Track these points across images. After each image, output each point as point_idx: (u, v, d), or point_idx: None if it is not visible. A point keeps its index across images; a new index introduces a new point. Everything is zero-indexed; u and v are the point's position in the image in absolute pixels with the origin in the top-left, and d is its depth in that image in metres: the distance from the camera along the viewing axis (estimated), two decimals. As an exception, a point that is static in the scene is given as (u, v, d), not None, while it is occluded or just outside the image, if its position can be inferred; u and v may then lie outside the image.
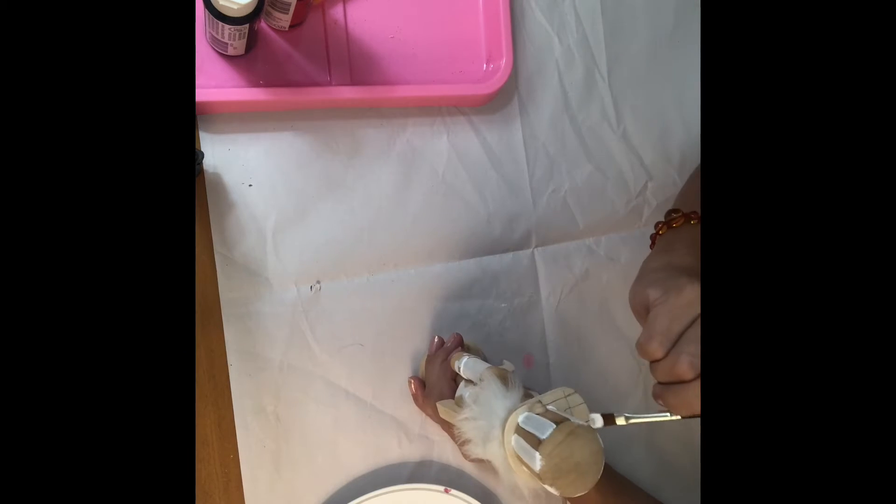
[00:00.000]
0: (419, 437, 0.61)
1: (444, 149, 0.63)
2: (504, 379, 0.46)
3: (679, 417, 0.40)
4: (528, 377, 0.64)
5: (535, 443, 0.40)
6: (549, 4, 0.66)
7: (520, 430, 0.42)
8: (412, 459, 0.61)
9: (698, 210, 0.50)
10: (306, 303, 0.59)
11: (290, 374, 0.59)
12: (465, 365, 0.52)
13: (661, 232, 0.50)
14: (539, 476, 0.40)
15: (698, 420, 0.62)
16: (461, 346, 0.58)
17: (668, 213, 0.51)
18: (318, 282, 0.60)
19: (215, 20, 0.50)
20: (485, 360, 0.55)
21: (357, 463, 0.60)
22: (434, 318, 0.62)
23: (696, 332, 0.38)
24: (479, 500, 0.57)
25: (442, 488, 0.57)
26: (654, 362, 0.40)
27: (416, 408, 0.60)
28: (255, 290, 0.58)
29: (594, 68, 0.67)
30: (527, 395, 0.46)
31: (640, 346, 0.40)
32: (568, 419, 0.41)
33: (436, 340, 0.59)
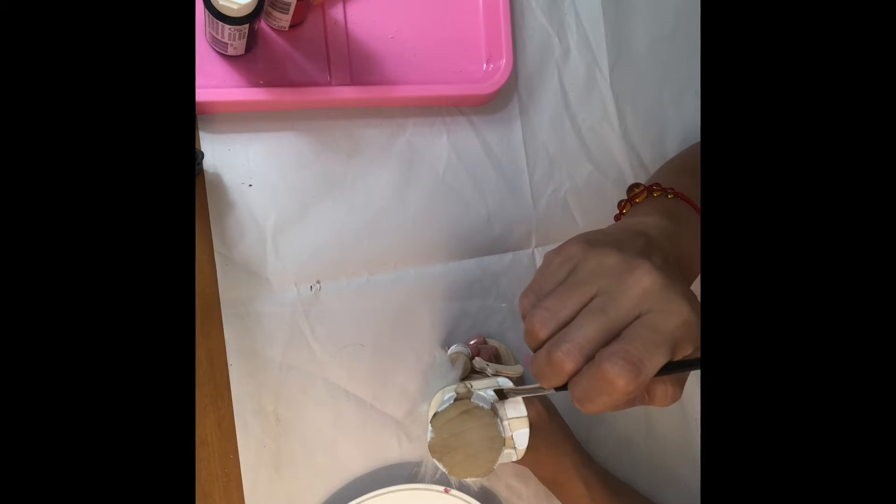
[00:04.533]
0: (419, 437, 0.61)
1: (444, 149, 0.63)
2: (453, 362, 0.46)
3: (553, 391, 0.37)
4: (528, 377, 0.64)
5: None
6: (549, 4, 0.65)
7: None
8: (412, 459, 0.61)
9: (662, 182, 0.47)
10: (306, 303, 0.59)
11: (290, 374, 0.59)
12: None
13: (624, 211, 0.47)
14: (430, 450, 0.40)
15: (697, 428, 0.62)
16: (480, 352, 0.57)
17: (630, 188, 0.48)
18: (318, 282, 0.60)
19: (215, 20, 0.50)
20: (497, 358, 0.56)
21: (357, 463, 0.60)
22: (434, 318, 0.62)
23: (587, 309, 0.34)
24: (479, 500, 0.57)
25: (442, 488, 0.57)
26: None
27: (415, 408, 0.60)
28: (255, 290, 0.58)
29: (595, 68, 0.66)
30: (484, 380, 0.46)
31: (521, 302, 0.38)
32: (470, 399, 0.41)
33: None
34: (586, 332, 0.33)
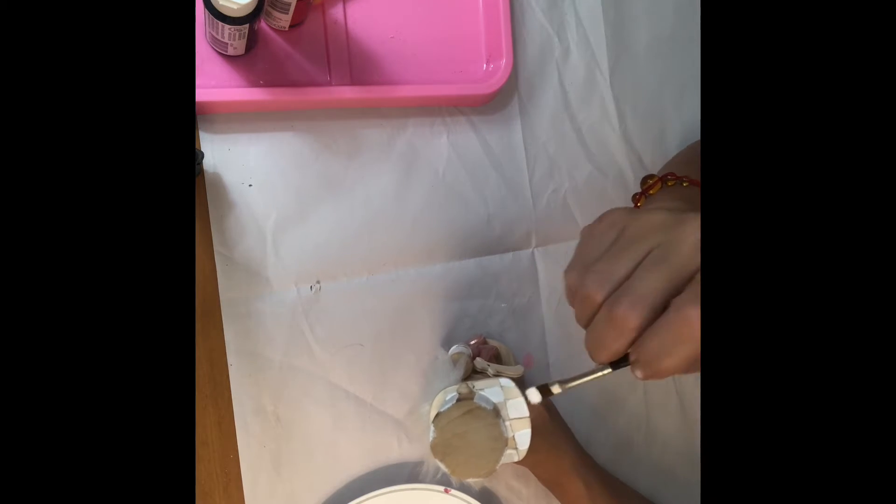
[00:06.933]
0: (419, 437, 0.61)
1: (444, 149, 0.63)
2: (454, 362, 0.46)
3: (610, 370, 0.34)
4: (528, 377, 0.64)
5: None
6: (549, 4, 0.65)
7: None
8: (412, 459, 0.61)
9: (676, 172, 0.46)
10: (306, 303, 0.59)
11: (290, 374, 0.59)
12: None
13: (639, 204, 0.47)
14: (432, 450, 0.40)
15: (697, 428, 0.61)
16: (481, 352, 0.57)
17: (644, 179, 0.46)
18: (318, 282, 0.60)
19: (215, 20, 0.50)
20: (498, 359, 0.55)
21: (357, 463, 0.60)
22: (434, 318, 0.62)
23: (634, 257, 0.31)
24: (479, 501, 0.57)
25: (442, 488, 0.57)
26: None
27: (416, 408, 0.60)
28: (255, 290, 0.58)
29: (595, 68, 0.66)
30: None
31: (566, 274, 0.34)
32: (472, 400, 0.41)
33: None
34: (649, 282, 0.30)
